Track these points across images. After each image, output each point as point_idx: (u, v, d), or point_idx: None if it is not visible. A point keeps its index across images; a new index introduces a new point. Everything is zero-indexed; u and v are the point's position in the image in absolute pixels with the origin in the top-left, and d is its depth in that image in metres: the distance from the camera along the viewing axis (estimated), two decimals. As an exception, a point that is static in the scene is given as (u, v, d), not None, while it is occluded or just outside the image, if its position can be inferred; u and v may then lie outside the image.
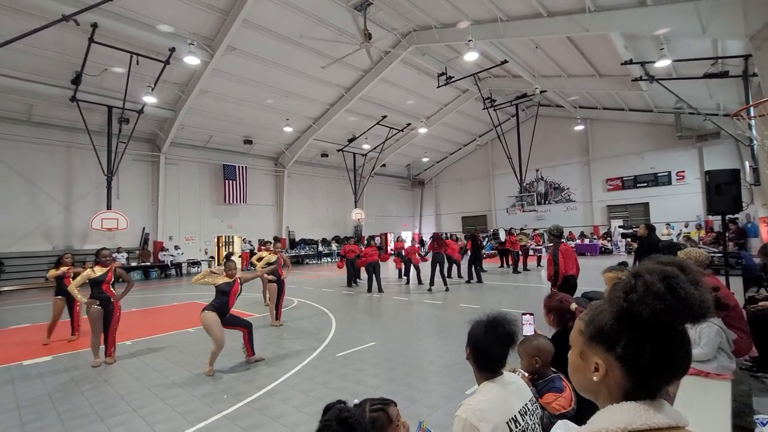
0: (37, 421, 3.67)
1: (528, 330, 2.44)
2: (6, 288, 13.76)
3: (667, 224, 19.06)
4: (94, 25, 11.38)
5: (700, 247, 6.60)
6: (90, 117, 14.62)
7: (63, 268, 6.65)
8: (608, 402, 0.75)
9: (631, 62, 13.61)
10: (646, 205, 21.79)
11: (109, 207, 15.10)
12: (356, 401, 1.52)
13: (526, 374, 2.06)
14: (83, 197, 16.25)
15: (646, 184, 21.79)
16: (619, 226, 21.23)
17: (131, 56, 12.70)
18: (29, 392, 4.39)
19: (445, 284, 10.94)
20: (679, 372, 0.72)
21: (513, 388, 1.54)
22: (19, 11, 10.55)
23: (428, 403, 3.77)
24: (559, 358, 2.05)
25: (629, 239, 16.82)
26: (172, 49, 12.88)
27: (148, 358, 5.57)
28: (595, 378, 0.76)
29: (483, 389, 1.50)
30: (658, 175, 21.34)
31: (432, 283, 10.86)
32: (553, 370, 2.02)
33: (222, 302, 5.03)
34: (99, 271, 5.45)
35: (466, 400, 1.46)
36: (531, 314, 2.50)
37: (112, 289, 5.53)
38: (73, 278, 6.74)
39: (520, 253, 15.11)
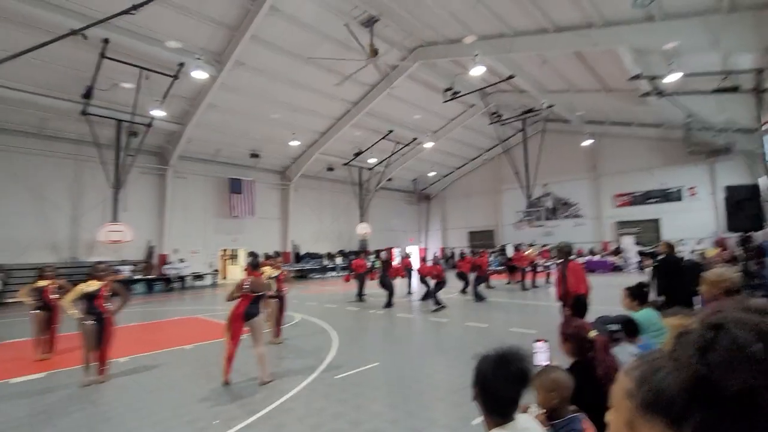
0: (16, 447, 3.46)
1: (541, 359, 2.20)
2: (11, 300, 13.67)
3: (679, 241, 18.57)
4: (105, 41, 11.57)
5: (723, 267, 6.26)
6: (99, 130, 14.74)
7: (42, 282, 6.51)
8: None
9: (639, 77, 13.46)
10: (657, 221, 21.33)
11: (115, 219, 15.10)
12: None
13: (542, 411, 1.82)
14: (91, 209, 16.32)
15: (656, 200, 21.38)
16: (636, 243, 20.67)
17: (141, 71, 12.86)
18: (12, 414, 4.18)
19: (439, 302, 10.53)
20: None
21: (528, 436, 1.31)
22: (32, 27, 10.76)
23: (432, 434, 3.49)
24: (576, 392, 1.82)
25: (644, 257, 16.32)
26: (181, 64, 13.03)
27: (141, 377, 5.35)
28: None
29: (492, 438, 1.28)
30: (669, 191, 20.95)
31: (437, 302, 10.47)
32: (573, 409, 1.78)
33: None
34: (93, 285, 5.29)
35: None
36: (545, 341, 2.27)
37: (106, 304, 5.36)
38: (57, 291, 6.59)
39: (528, 269, 14.75)
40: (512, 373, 1.28)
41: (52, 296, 6.53)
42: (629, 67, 13.09)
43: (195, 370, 5.53)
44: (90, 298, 5.23)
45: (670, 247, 5.49)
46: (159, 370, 5.64)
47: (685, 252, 17.89)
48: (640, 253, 19.29)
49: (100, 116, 14.59)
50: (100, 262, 5.56)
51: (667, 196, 21.03)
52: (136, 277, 16.66)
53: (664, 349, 0.59)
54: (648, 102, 15.92)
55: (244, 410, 4.10)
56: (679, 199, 20.66)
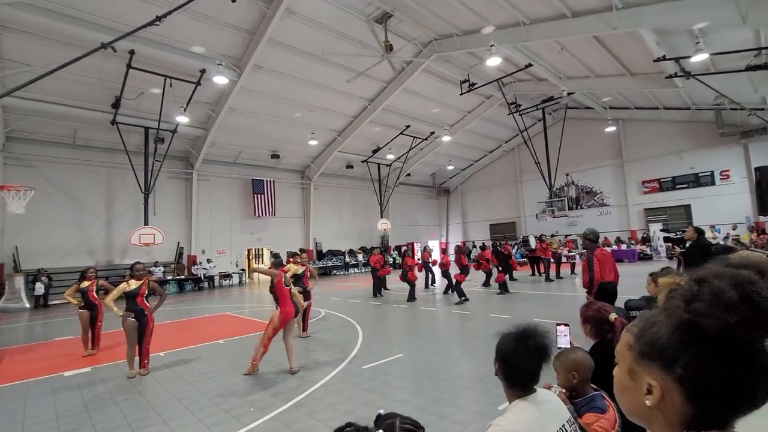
0: (74, 432, 3.78)
1: (563, 342, 2.27)
2: (54, 302, 14.56)
3: (712, 227, 17.86)
4: (132, 52, 12.09)
5: (753, 251, 6.08)
6: (128, 138, 15.45)
7: (85, 283, 6.93)
8: (664, 430, 0.63)
9: (664, 59, 13.00)
10: (688, 207, 20.58)
11: (146, 223, 15.81)
12: (382, 411, 1.36)
13: (563, 391, 1.90)
14: (123, 214, 17.11)
15: (686, 186, 20.61)
16: (661, 230, 20.07)
17: (165, 79, 13.37)
18: (68, 403, 4.55)
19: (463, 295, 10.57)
20: (755, 402, 0.58)
21: (548, 407, 1.40)
22: (65, 43, 11.39)
23: (458, 419, 3.60)
24: (598, 374, 1.88)
25: (671, 244, 15.81)
26: (203, 71, 13.48)
27: (180, 369, 5.67)
28: (647, 402, 0.64)
29: (514, 408, 1.37)
30: (700, 175, 20.15)
31: (461, 294, 10.54)
32: (594, 387, 1.85)
33: None
34: (133, 284, 5.63)
35: (496, 420, 1.33)
36: (566, 325, 2.33)
37: (146, 302, 5.69)
38: (97, 292, 7.01)
39: (552, 260, 14.54)
40: (531, 347, 1.37)
41: (94, 296, 6.97)
42: (652, 49, 12.68)
43: (229, 363, 5.82)
44: (131, 296, 5.57)
45: (698, 232, 5.36)
46: (196, 363, 5.96)
47: (719, 238, 17.25)
48: (666, 240, 18.69)
49: (129, 124, 15.29)
50: (137, 263, 5.88)
51: (698, 180, 20.24)
52: (167, 278, 17.39)
53: (659, 305, 0.68)
54: (674, 84, 15.37)
55: (277, 398, 4.32)
56: (711, 183, 19.85)
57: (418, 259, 14.04)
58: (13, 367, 6.24)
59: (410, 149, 23.07)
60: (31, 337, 8.85)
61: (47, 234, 15.34)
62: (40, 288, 14.09)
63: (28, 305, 14.02)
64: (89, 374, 5.68)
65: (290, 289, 5.48)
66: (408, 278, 11.29)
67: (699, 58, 11.75)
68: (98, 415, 4.15)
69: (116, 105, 14.33)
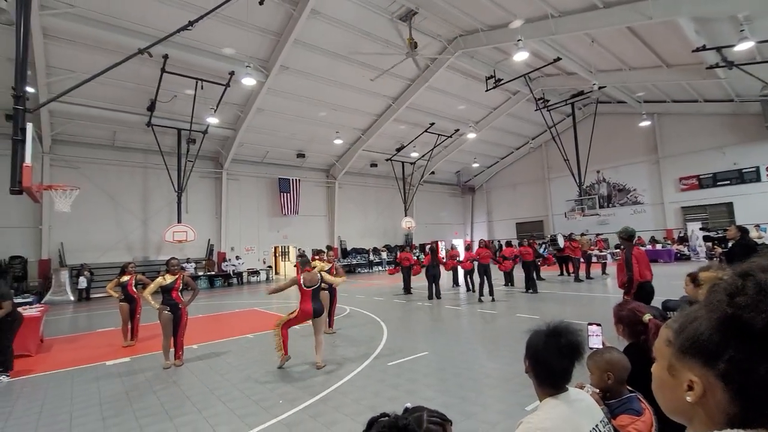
0: (116, 417, 4.00)
1: (595, 342, 2.22)
2: (96, 295, 15.39)
3: (757, 226, 16.83)
4: (165, 57, 12.58)
5: (803, 251, 5.68)
6: (162, 139, 16.12)
7: (125, 277, 7.29)
8: (706, 428, 0.62)
9: (704, 48, 12.33)
10: (730, 205, 19.45)
11: (179, 221, 16.45)
12: (409, 405, 1.37)
13: (596, 391, 1.86)
14: (157, 212, 17.88)
15: (728, 182, 19.48)
16: (701, 229, 19.07)
17: (197, 82, 13.85)
18: (110, 390, 4.82)
19: (492, 294, 10.46)
20: None
21: (581, 406, 1.37)
22: (105, 49, 12.01)
23: (484, 419, 3.57)
24: (631, 375, 1.83)
25: (713, 243, 14.99)
26: (232, 73, 13.87)
27: (213, 361, 5.89)
28: (689, 398, 0.62)
29: (545, 406, 1.35)
30: (744, 171, 19.00)
31: (481, 293, 10.46)
32: (630, 389, 1.80)
33: None
34: (169, 278, 5.87)
35: (527, 418, 1.32)
36: (598, 325, 2.28)
37: (180, 296, 5.94)
38: (136, 286, 7.36)
39: (582, 260, 14.09)
40: (563, 345, 1.34)
41: (133, 289, 7.33)
42: (691, 38, 12.05)
43: (259, 356, 5.99)
44: (166, 290, 5.82)
45: (742, 230, 5.06)
46: (227, 355, 6.17)
47: (764, 237, 16.27)
48: (707, 239, 17.77)
49: (163, 126, 15.95)
50: (173, 258, 6.13)
51: (741, 176, 19.09)
52: (199, 274, 18.03)
53: (702, 301, 0.66)
54: (716, 75, 14.55)
55: (305, 392, 4.42)
56: (756, 179, 18.68)
57: (443, 258, 13.94)
58: (62, 355, 6.67)
59: (434, 147, 22.92)
60: (76, 328, 9.41)
61: (89, 231, 16.23)
62: (83, 282, 14.93)
63: (72, 298, 14.88)
64: (129, 364, 5.99)
65: (317, 287, 5.52)
66: (430, 273, 11.29)
67: (743, 46, 11.09)
68: (138, 402, 4.37)
69: (151, 108, 14.99)
